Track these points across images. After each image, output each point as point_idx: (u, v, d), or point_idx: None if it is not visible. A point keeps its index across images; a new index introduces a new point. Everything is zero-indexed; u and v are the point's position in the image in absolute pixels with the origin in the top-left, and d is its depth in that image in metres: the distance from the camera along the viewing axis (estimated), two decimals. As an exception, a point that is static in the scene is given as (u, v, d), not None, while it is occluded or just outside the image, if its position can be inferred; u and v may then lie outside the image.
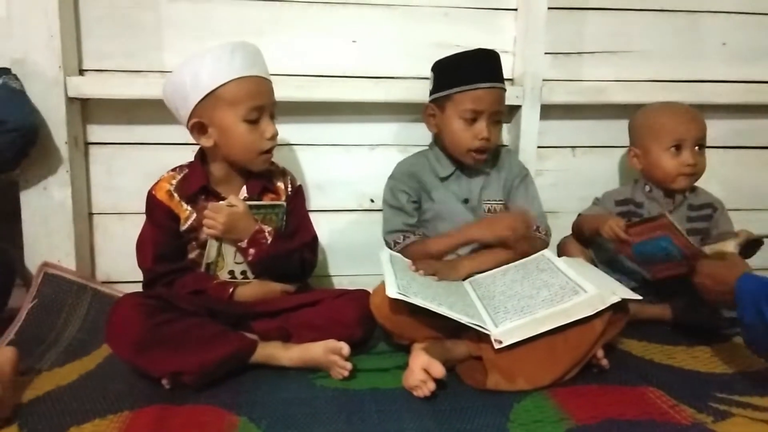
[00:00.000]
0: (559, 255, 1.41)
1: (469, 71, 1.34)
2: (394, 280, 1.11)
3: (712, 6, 1.66)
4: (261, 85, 1.19)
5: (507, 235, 1.28)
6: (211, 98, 1.16)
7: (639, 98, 1.59)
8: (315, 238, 1.35)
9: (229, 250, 1.23)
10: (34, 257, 1.43)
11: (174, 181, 1.24)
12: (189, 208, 1.22)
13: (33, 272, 1.42)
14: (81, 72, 1.46)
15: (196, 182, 1.23)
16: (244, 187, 1.26)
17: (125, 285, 1.50)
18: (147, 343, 1.02)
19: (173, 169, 1.28)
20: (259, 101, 1.18)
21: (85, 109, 1.49)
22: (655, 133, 1.44)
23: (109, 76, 1.48)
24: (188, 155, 1.49)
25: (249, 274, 1.26)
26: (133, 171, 1.52)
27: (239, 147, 1.20)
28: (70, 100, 1.41)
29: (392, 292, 1.05)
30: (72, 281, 1.42)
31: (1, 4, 1.37)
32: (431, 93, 1.41)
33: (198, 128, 1.19)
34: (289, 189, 1.33)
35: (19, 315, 1.32)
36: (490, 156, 1.44)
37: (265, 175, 1.29)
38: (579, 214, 1.53)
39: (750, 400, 1.02)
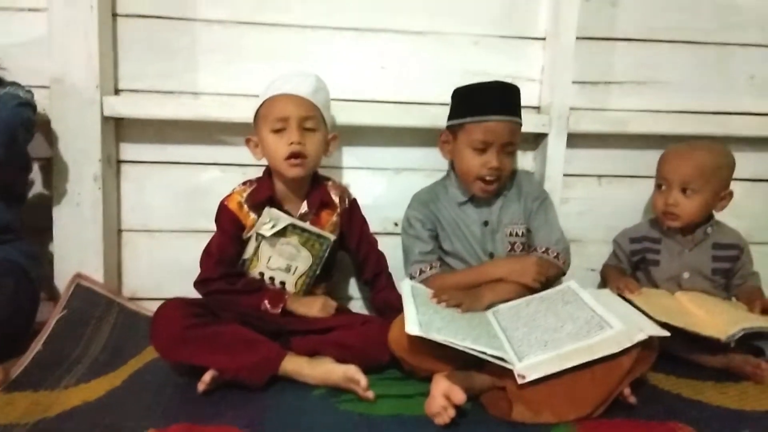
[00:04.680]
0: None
1: (483, 102, 1.35)
2: (415, 315, 1.11)
3: (741, 39, 1.66)
4: (287, 100, 1.30)
5: (530, 284, 1.31)
6: (257, 119, 1.35)
7: (666, 129, 1.60)
8: (381, 254, 1.50)
9: (264, 253, 1.33)
10: (63, 271, 1.46)
11: (245, 194, 1.36)
12: (255, 216, 1.33)
13: (61, 286, 1.44)
14: (117, 92, 1.50)
15: (264, 193, 1.35)
16: (305, 202, 1.37)
17: (151, 302, 1.53)
18: (183, 340, 1.13)
19: (244, 183, 1.39)
20: (280, 113, 1.30)
21: (118, 128, 1.52)
22: (656, 170, 1.47)
23: (143, 96, 1.51)
24: (217, 174, 1.55)
25: (277, 281, 1.36)
26: (163, 189, 1.56)
27: (270, 155, 1.33)
28: (105, 119, 1.44)
29: (413, 329, 1.06)
30: (101, 295, 1.45)
31: (42, 24, 1.41)
32: (448, 119, 1.43)
33: (252, 145, 1.37)
34: (346, 202, 1.43)
35: (47, 326, 1.33)
36: (507, 179, 1.45)
37: (323, 191, 1.40)
38: (604, 265, 1.57)
39: (781, 441, 1.00)
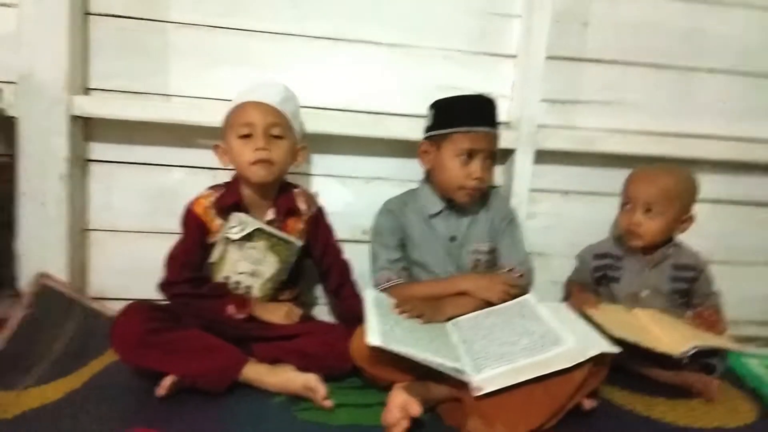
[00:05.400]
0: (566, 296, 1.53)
1: (470, 113, 1.38)
2: (377, 326, 1.12)
3: (708, 64, 1.71)
4: (255, 107, 1.31)
5: (495, 301, 1.33)
6: (225, 127, 1.35)
7: (631, 149, 1.64)
8: (345, 263, 1.49)
9: (230, 257, 1.33)
10: (27, 270, 1.44)
11: (211, 199, 1.35)
12: (221, 221, 1.33)
13: (25, 284, 1.42)
14: (86, 91, 1.48)
15: (231, 198, 1.35)
16: (272, 209, 1.37)
17: (116, 302, 1.51)
18: (144, 344, 1.13)
19: (211, 188, 1.39)
20: (246, 119, 1.30)
21: (87, 127, 1.51)
22: (623, 190, 1.51)
23: (113, 96, 1.50)
24: (186, 176, 1.55)
25: (243, 286, 1.36)
26: (130, 190, 1.55)
27: (236, 160, 1.32)
28: (73, 118, 1.43)
29: (374, 339, 1.07)
30: (65, 295, 1.43)
31: (12, 19, 1.40)
32: (428, 130, 1.45)
33: (220, 152, 1.36)
34: (312, 210, 1.43)
35: (10, 324, 1.31)
36: (479, 195, 1.47)
37: (290, 198, 1.40)
38: (568, 279, 1.61)
39: (724, 458, 1.04)
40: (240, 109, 1.32)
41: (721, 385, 1.31)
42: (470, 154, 1.37)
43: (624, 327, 1.29)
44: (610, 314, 1.36)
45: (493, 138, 1.41)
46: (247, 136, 1.30)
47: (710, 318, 1.37)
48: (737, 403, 1.27)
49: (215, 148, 1.38)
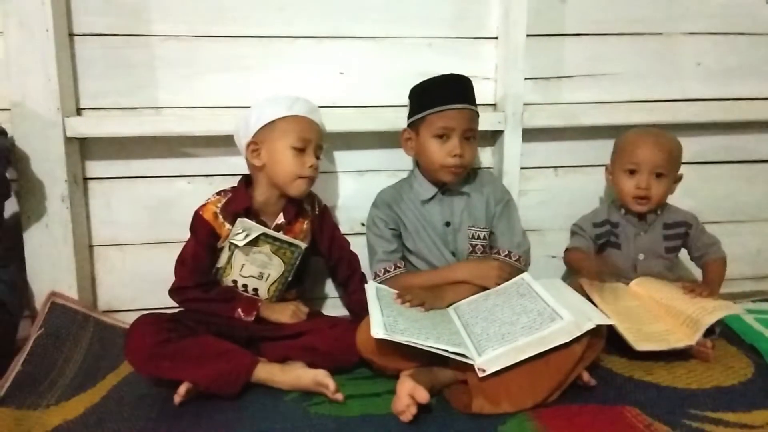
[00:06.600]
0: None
1: (440, 94, 1.41)
2: (381, 318, 1.16)
3: (686, 28, 1.72)
4: (311, 124, 1.40)
5: (491, 288, 1.36)
6: (269, 127, 1.37)
7: (616, 120, 1.66)
8: (353, 255, 1.54)
9: (237, 261, 1.37)
10: (37, 290, 1.48)
11: (220, 204, 1.39)
12: (230, 227, 1.36)
13: (37, 305, 1.47)
14: (78, 111, 1.51)
15: (241, 203, 1.38)
16: (281, 213, 1.41)
17: (126, 314, 1.57)
18: (157, 355, 1.17)
19: (218, 193, 1.42)
20: (306, 135, 1.37)
21: (83, 146, 1.54)
22: (618, 154, 1.53)
23: (105, 114, 1.53)
24: (184, 186, 1.58)
25: (250, 288, 1.41)
26: (130, 203, 1.58)
27: (283, 168, 1.36)
28: (69, 140, 1.46)
29: (378, 332, 1.11)
30: (77, 311, 1.47)
31: (1, 48, 1.42)
32: (408, 118, 1.48)
33: (253, 149, 1.38)
34: (316, 210, 1.49)
35: (26, 345, 1.35)
36: (472, 178, 1.51)
37: (298, 201, 1.44)
38: (566, 249, 1.59)
39: (722, 416, 1.08)
40: (299, 120, 1.37)
41: (719, 343, 1.36)
42: (447, 133, 1.40)
43: (639, 326, 1.31)
44: (615, 306, 1.36)
45: (469, 115, 1.42)
46: (300, 150, 1.36)
47: (702, 293, 1.38)
48: (734, 361, 1.31)
49: (250, 144, 1.38)
